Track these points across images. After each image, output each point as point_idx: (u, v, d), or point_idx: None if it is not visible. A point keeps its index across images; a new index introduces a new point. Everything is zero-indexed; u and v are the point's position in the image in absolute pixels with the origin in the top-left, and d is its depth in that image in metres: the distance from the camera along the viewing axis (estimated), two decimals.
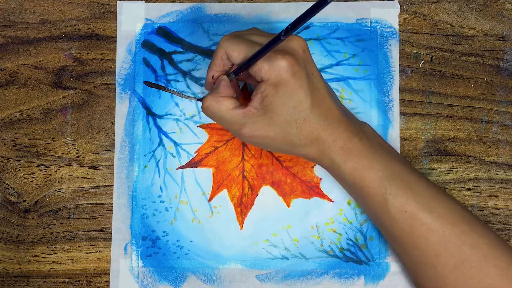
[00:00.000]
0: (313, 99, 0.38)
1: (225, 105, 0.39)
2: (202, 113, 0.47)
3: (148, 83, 0.44)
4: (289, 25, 0.33)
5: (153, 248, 0.46)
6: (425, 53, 0.47)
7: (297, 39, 0.39)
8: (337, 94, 0.46)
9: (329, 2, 0.29)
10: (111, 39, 0.47)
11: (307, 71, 0.38)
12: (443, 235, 0.38)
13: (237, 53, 0.38)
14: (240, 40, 0.39)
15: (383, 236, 0.45)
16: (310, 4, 0.47)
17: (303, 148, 0.39)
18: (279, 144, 0.39)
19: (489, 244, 0.38)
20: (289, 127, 0.38)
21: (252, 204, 0.46)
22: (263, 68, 0.37)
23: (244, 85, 0.46)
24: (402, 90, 0.46)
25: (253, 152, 0.46)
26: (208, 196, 0.46)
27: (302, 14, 0.31)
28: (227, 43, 0.39)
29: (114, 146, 0.46)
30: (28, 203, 0.46)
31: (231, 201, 0.46)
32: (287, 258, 0.45)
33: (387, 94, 0.46)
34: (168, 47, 0.47)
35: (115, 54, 0.47)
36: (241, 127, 0.39)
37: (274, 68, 0.37)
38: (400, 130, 0.46)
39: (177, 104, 0.47)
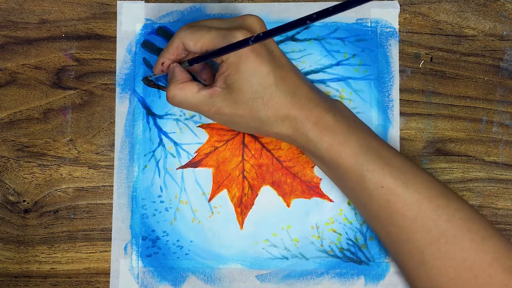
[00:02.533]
0: (277, 75, 0.38)
1: (189, 89, 0.39)
2: None
3: (146, 80, 0.44)
4: (262, 33, 0.33)
5: (153, 248, 0.46)
6: (425, 53, 0.47)
7: (252, 17, 0.39)
8: (337, 94, 0.46)
9: (313, 20, 0.28)
10: (111, 39, 0.47)
11: (267, 48, 0.38)
12: (419, 210, 0.38)
13: (193, 42, 0.38)
14: (196, 28, 0.39)
15: None
16: (310, 4, 0.47)
17: (273, 126, 0.39)
18: (248, 121, 0.39)
19: (465, 218, 0.38)
20: (256, 104, 0.38)
21: (252, 204, 0.46)
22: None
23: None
24: (402, 90, 0.46)
25: (253, 152, 0.46)
26: (208, 196, 0.46)
27: (283, 25, 0.31)
28: (184, 33, 0.39)
29: (114, 146, 0.46)
30: (28, 203, 0.46)
31: (231, 201, 0.46)
32: (287, 258, 0.45)
33: (387, 94, 0.46)
34: None
35: (115, 54, 0.47)
36: (210, 107, 0.38)
37: None
38: (400, 130, 0.46)
39: None
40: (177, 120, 0.46)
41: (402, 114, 0.46)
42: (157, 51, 0.47)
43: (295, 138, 0.39)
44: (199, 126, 0.47)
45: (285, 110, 0.38)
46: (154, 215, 0.46)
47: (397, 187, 0.38)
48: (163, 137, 0.46)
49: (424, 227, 0.38)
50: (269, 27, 0.47)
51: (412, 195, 0.38)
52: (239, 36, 0.37)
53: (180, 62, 0.41)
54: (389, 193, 0.38)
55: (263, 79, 0.37)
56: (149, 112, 0.47)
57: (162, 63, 0.41)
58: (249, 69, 0.37)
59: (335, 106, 0.40)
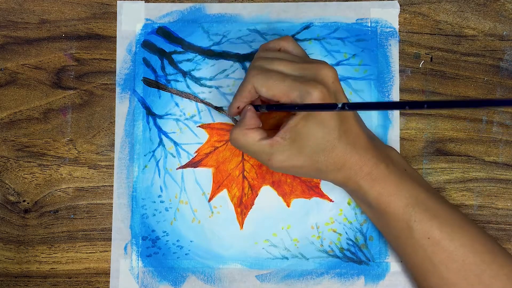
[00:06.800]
0: (341, 129, 0.38)
1: (252, 137, 0.39)
2: (202, 113, 0.47)
3: (146, 80, 0.44)
4: (347, 105, 0.33)
5: (153, 248, 0.46)
6: (425, 53, 0.47)
7: (327, 69, 0.38)
8: None
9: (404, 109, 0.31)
10: (111, 39, 0.47)
11: (336, 98, 0.38)
12: (463, 264, 0.38)
13: (265, 89, 0.38)
14: (268, 75, 0.38)
15: (383, 236, 0.45)
16: (310, 4, 0.47)
17: (330, 174, 0.39)
18: (307, 171, 0.39)
19: (509, 276, 0.38)
20: (317, 156, 0.38)
21: (252, 204, 0.46)
22: (295, 101, 0.37)
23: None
24: (402, 90, 0.46)
25: None
26: (208, 196, 0.46)
27: (369, 103, 0.33)
28: (255, 78, 0.38)
29: (114, 146, 0.46)
30: (28, 203, 0.46)
31: (231, 201, 0.46)
32: (287, 258, 0.45)
33: (387, 94, 0.46)
34: (168, 47, 0.47)
35: (115, 54, 0.47)
36: (269, 157, 0.39)
37: (306, 100, 0.37)
38: (400, 130, 0.46)
39: (177, 104, 0.47)
40: (177, 120, 0.46)
41: (402, 114, 0.46)
42: (157, 51, 0.47)
43: (346, 185, 0.40)
44: (199, 126, 0.47)
45: (343, 160, 0.39)
46: (154, 215, 0.46)
47: (442, 240, 0.39)
48: (163, 137, 0.46)
49: (466, 280, 0.38)
50: (268, 27, 0.47)
51: (457, 249, 0.38)
52: (315, 94, 0.36)
53: (254, 104, 0.41)
54: (434, 244, 0.39)
55: (329, 133, 0.38)
56: (149, 112, 0.47)
57: (238, 107, 0.40)
58: (317, 123, 0.37)
59: (388, 156, 0.41)
